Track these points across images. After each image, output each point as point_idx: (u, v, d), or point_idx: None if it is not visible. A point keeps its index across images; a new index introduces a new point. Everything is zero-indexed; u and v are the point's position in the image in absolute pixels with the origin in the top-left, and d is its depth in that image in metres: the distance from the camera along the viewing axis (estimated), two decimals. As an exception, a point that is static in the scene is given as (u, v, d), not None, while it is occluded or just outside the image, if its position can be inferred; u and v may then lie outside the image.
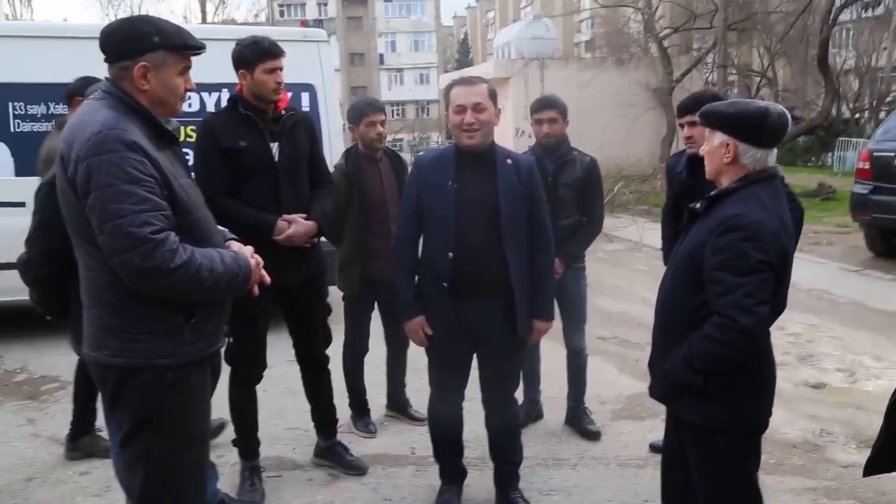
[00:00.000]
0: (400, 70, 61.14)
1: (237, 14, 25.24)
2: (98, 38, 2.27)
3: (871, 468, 2.29)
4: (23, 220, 5.38)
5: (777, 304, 2.46)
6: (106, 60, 2.25)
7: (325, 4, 56.64)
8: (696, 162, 3.43)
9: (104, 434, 3.65)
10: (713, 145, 2.46)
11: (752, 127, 2.41)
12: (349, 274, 4.25)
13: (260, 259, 2.42)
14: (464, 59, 65.56)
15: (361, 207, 4.19)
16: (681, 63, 20.56)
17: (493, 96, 3.24)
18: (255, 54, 3.35)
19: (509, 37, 24.44)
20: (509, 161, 3.29)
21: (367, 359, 4.52)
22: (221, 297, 2.37)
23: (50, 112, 5.74)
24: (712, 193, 2.52)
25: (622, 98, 17.88)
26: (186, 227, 2.23)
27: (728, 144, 2.41)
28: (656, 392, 2.69)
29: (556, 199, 4.09)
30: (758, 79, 23.55)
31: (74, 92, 3.56)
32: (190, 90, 2.37)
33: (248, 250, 2.42)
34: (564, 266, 4.15)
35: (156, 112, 2.26)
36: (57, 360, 5.62)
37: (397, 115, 57.00)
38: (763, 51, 22.97)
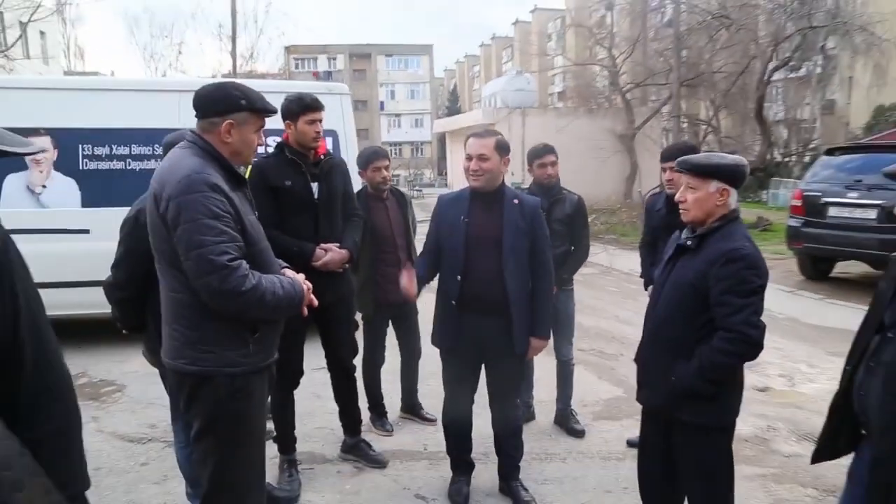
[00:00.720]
0: (398, 115, 61.37)
1: (261, 66, 25.28)
2: (191, 92, 2.35)
3: (817, 457, 2.34)
4: (87, 245, 5.49)
5: None
6: (197, 115, 2.30)
7: (335, 59, 56.85)
8: (674, 201, 3.49)
9: None
10: (708, 191, 2.50)
11: (738, 175, 2.51)
12: (365, 297, 4.25)
13: (310, 285, 2.46)
14: (453, 107, 65.83)
15: (373, 240, 4.19)
16: (641, 112, 20.78)
17: (499, 147, 3.27)
18: (299, 108, 3.40)
19: (495, 88, 24.60)
20: (516, 201, 3.33)
21: (383, 369, 4.52)
22: (280, 316, 2.40)
23: (112, 153, 5.77)
24: (700, 232, 2.56)
25: (593, 142, 18.06)
26: (253, 256, 2.27)
27: (724, 191, 2.49)
28: (657, 402, 2.67)
29: (549, 231, 4.14)
30: (704, 127, 23.79)
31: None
32: (261, 145, 2.42)
33: (300, 277, 2.46)
34: (557, 288, 4.20)
35: (232, 160, 2.31)
36: (111, 367, 5.62)
37: (395, 154, 57.08)
38: (709, 103, 23.21)
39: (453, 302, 3.28)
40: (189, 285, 2.19)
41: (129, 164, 5.84)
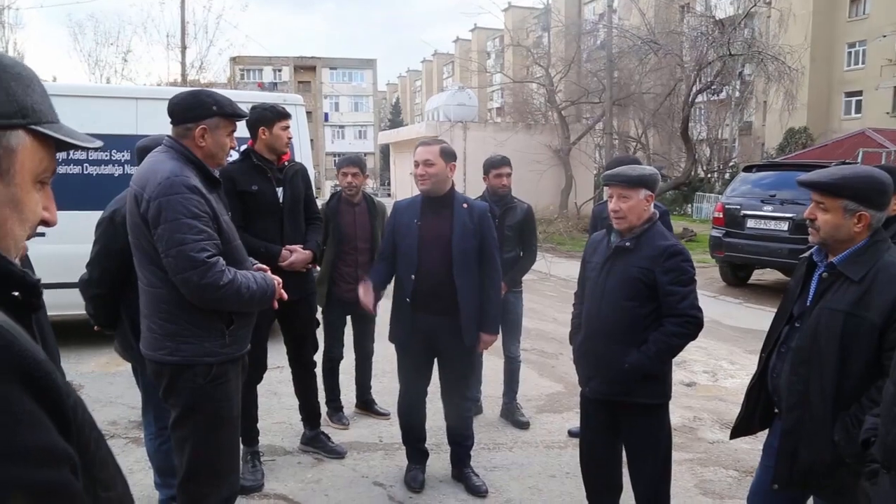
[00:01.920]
0: (342, 127, 60.95)
1: (208, 76, 24.80)
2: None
3: (735, 433, 2.59)
4: (42, 248, 5.32)
5: None
6: (172, 122, 2.37)
7: (280, 70, 56.13)
8: None
9: None
10: (639, 198, 2.71)
11: (657, 182, 2.80)
12: (321, 290, 4.34)
13: (280, 280, 2.56)
14: (395, 119, 65.99)
15: (335, 239, 4.32)
16: (576, 129, 21.32)
17: (444, 153, 3.40)
18: (274, 115, 3.50)
19: (438, 103, 24.72)
20: (465, 205, 3.48)
21: (341, 366, 4.59)
22: (254, 308, 2.49)
23: (68, 157, 5.67)
24: (636, 233, 2.75)
25: (530, 156, 18.32)
26: (228, 253, 2.36)
27: (649, 197, 2.74)
28: (611, 389, 2.79)
29: (501, 236, 4.29)
30: (634, 144, 24.59)
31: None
32: (233, 148, 2.51)
33: (270, 273, 2.55)
34: (507, 289, 4.37)
35: (207, 163, 2.39)
36: (68, 368, 5.19)
37: (339, 164, 56.74)
38: (638, 122, 23.97)
39: (408, 299, 3.41)
40: (167, 280, 2.26)
41: (86, 169, 5.74)
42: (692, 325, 2.67)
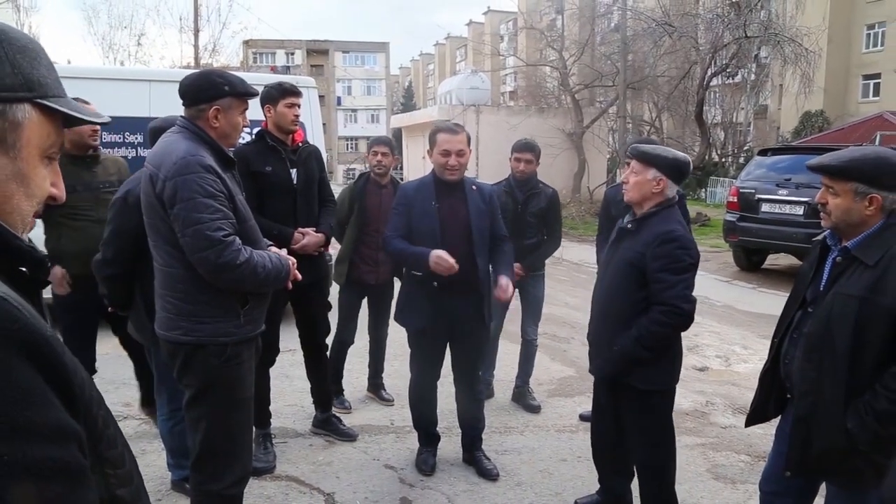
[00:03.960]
0: (354, 111, 60.86)
1: (221, 59, 24.76)
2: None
3: (750, 421, 2.56)
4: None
5: None
6: (184, 104, 2.36)
7: (293, 54, 56.02)
8: None
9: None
10: (646, 177, 2.68)
11: (679, 171, 2.70)
12: (340, 269, 4.36)
13: (295, 260, 2.56)
14: (408, 103, 65.73)
15: (359, 219, 4.30)
16: (589, 112, 21.12)
17: (469, 140, 3.42)
18: (279, 93, 3.48)
19: (451, 86, 24.55)
20: (474, 188, 3.48)
21: (350, 350, 4.61)
22: (269, 289, 2.49)
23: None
24: (640, 216, 2.77)
25: (543, 139, 17.98)
26: (243, 233, 2.35)
27: (660, 180, 2.67)
28: (604, 370, 2.85)
29: (523, 222, 4.27)
30: (648, 128, 24.35)
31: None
32: (246, 126, 2.50)
33: (284, 253, 2.55)
34: (527, 272, 4.34)
35: (221, 143, 2.38)
36: None
37: (351, 148, 56.66)
38: (652, 105, 23.74)
39: (435, 284, 3.34)
40: (183, 260, 2.27)
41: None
42: (675, 315, 2.59)
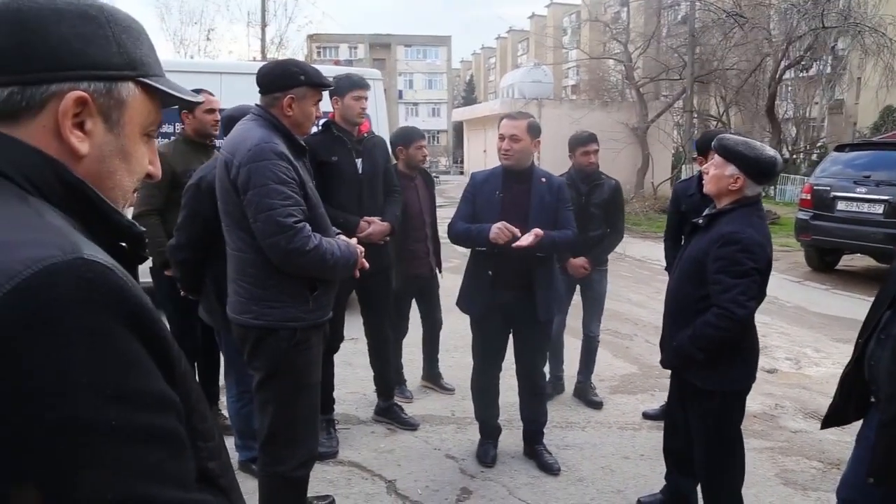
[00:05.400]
0: (416, 104, 61.24)
1: (287, 53, 25.30)
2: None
3: (827, 423, 2.44)
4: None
5: (762, 295, 2.65)
6: (260, 91, 2.41)
7: (356, 48, 56.74)
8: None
9: (224, 412, 3.74)
10: (724, 173, 2.59)
11: (762, 171, 2.57)
12: (397, 271, 4.33)
13: (363, 248, 2.58)
14: (469, 97, 65.63)
15: (402, 217, 4.21)
16: (654, 107, 20.65)
17: (531, 129, 3.33)
18: (347, 85, 3.53)
19: (513, 80, 24.45)
20: (543, 179, 3.43)
21: (404, 341, 4.64)
22: (337, 276, 2.52)
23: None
24: (712, 212, 2.68)
25: (606, 134, 17.79)
26: (313, 220, 2.39)
27: (738, 178, 2.57)
28: (667, 363, 2.84)
29: (587, 214, 4.18)
30: (715, 122, 23.60)
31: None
32: (319, 117, 2.53)
33: (353, 241, 2.58)
34: (591, 267, 4.27)
35: (294, 132, 2.42)
36: None
37: (412, 141, 57.02)
38: (720, 100, 23.01)
39: (489, 272, 3.37)
40: (254, 245, 2.31)
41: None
42: (727, 319, 2.49)
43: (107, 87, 0.78)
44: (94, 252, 0.68)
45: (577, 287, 4.46)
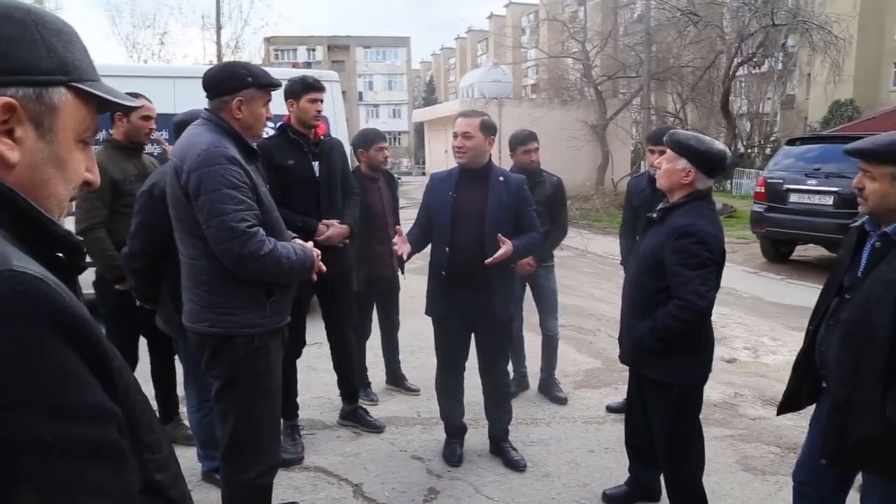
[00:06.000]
0: (376, 105, 60.98)
1: (243, 56, 24.95)
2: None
3: (783, 409, 2.51)
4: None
5: (718, 285, 2.69)
6: (208, 95, 2.37)
7: (314, 50, 56.22)
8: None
9: (186, 422, 3.69)
10: (676, 167, 2.63)
11: (712, 164, 2.62)
12: (359, 274, 4.28)
13: (319, 252, 2.56)
14: (430, 98, 65.53)
15: (365, 218, 4.21)
16: (612, 104, 20.91)
17: (484, 126, 3.32)
18: (302, 88, 3.49)
19: (473, 80, 24.50)
20: (501, 179, 3.42)
21: (368, 343, 4.62)
22: (293, 280, 2.50)
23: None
24: (665, 206, 2.73)
25: (566, 132, 18.09)
26: (266, 224, 2.36)
27: (689, 171, 2.62)
28: (626, 357, 2.87)
29: None
30: (672, 119, 24.01)
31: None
32: (269, 118, 2.50)
33: (309, 245, 2.55)
34: (537, 264, 4.31)
35: (245, 135, 2.39)
36: None
37: (373, 143, 56.76)
38: (676, 96, 23.39)
39: (443, 273, 3.37)
40: (208, 252, 2.28)
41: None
42: (689, 311, 2.53)
43: (37, 93, 0.76)
44: (25, 264, 0.66)
45: (527, 285, 4.50)
